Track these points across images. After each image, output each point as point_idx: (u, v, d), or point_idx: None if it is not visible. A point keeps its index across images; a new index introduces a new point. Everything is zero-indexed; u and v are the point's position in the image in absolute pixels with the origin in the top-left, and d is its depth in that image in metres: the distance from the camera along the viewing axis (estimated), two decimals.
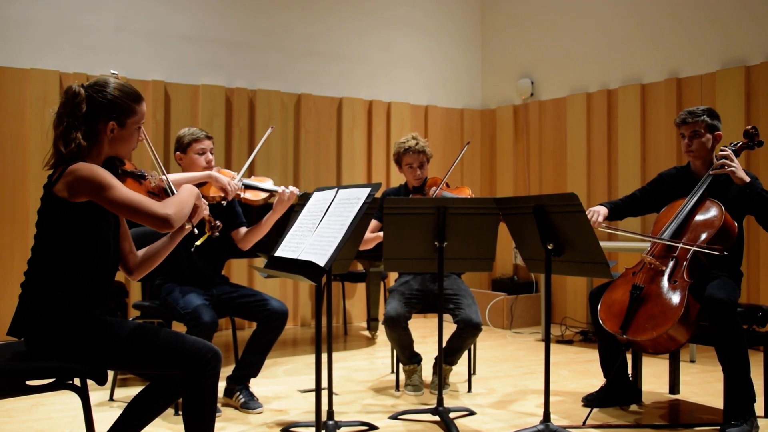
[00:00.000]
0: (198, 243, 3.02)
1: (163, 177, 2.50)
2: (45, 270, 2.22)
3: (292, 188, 3.55)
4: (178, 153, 3.60)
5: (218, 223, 2.72)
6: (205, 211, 2.53)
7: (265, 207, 3.67)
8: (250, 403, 3.52)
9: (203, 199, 2.54)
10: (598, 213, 3.61)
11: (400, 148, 4.10)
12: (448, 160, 6.94)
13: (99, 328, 2.21)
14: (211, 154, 3.61)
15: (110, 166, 2.31)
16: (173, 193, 2.42)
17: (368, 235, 3.86)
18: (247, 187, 3.57)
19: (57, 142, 2.23)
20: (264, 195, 3.56)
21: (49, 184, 2.22)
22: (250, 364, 3.57)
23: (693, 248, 3.24)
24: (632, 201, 3.77)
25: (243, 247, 3.68)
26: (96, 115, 2.25)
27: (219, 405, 3.49)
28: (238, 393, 3.56)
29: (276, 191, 3.55)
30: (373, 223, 4.05)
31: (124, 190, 2.17)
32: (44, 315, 2.18)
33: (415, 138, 4.09)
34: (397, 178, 6.34)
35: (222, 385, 3.55)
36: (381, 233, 3.96)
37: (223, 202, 3.39)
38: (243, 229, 3.69)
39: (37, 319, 2.18)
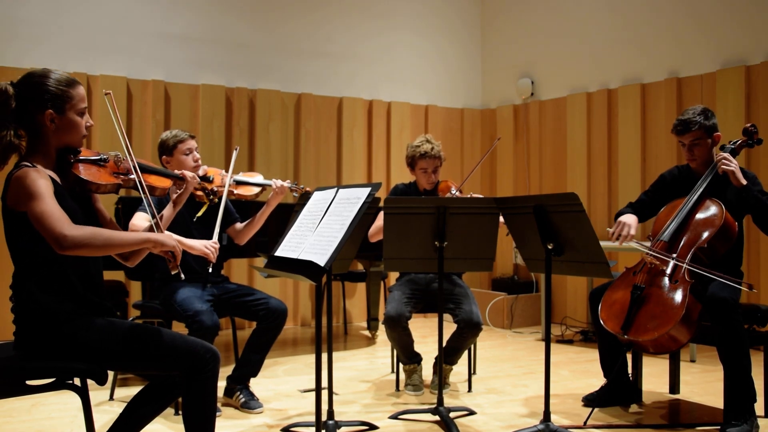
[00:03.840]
0: (200, 214, 3.05)
1: (128, 158, 2.40)
2: (26, 278, 2.20)
3: (282, 182, 3.60)
4: (164, 156, 3.57)
5: (214, 188, 2.74)
6: (195, 180, 2.55)
7: (259, 203, 3.69)
8: (250, 403, 3.53)
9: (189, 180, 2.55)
10: (629, 226, 3.44)
11: (415, 152, 4.02)
12: (449, 159, 6.92)
13: (96, 328, 2.20)
14: (197, 152, 3.61)
15: (63, 158, 2.26)
16: (137, 174, 2.36)
17: (378, 223, 3.79)
18: (239, 183, 3.59)
19: None
20: (256, 189, 3.60)
21: (2, 195, 2.19)
22: (250, 364, 3.57)
23: (694, 245, 3.24)
24: (641, 206, 3.74)
25: (239, 242, 3.72)
26: (30, 109, 2.20)
27: (219, 405, 3.48)
28: (239, 393, 3.56)
29: (267, 185, 3.61)
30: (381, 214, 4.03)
31: (45, 202, 2.05)
32: (38, 322, 2.17)
33: (430, 142, 4.01)
34: (397, 178, 6.35)
35: (222, 384, 3.56)
36: None
37: (213, 199, 3.36)
38: (238, 225, 3.72)
39: (33, 328, 2.17)
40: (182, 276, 2.34)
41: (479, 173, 7.23)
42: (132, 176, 2.39)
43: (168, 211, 2.68)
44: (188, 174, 2.58)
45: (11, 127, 2.16)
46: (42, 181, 2.10)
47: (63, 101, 2.23)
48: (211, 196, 2.75)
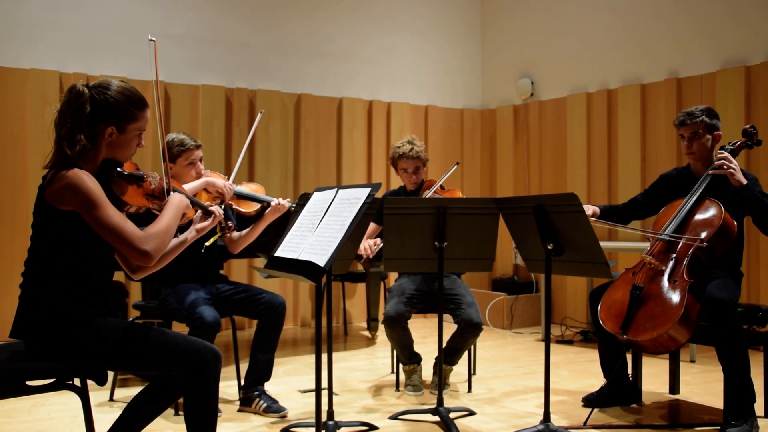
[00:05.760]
0: (208, 243, 3.04)
1: (165, 179, 2.43)
2: (39, 272, 2.21)
3: (283, 201, 3.55)
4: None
5: (230, 223, 2.72)
6: (220, 217, 2.55)
7: (256, 215, 3.67)
8: (273, 406, 3.47)
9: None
10: (587, 208, 3.55)
11: (395, 153, 4.12)
12: (448, 160, 6.95)
13: (97, 328, 2.20)
14: (201, 162, 3.56)
15: (106, 169, 2.27)
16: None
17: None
18: (240, 196, 3.54)
19: (61, 143, 2.17)
20: (257, 206, 3.56)
21: (42, 187, 2.19)
22: (260, 366, 3.53)
23: (693, 245, 3.25)
24: (634, 205, 3.78)
25: (233, 250, 3.68)
26: (97, 117, 2.20)
27: (220, 405, 3.48)
28: (258, 399, 3.50)
29: (269, 202, 3.55)
30: (372, 226, 4.05)
31: (110, 213, 2.11)
32: (41, 317, 2.17)
33: (411, 143, 4.08)
34: (398, 179, 6.35)
35: (235, 396, 3.55)
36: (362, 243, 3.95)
37: (221, 205, 3.36)
38: (234, 234, 3.68)
39: (35, 322, 2.18)
40: (179, 235, 2.36)
41: (479, 173, 7.24)
42: (162, 201, 2.37)
43: (189, 235, 2.58)
44: (217, 210, 2.54)
45: (85, 131, 2.18)
46: (97, 188, 2.13)
47: (128, 120, 2.25)
48: (226, 231, 2.74)
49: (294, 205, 3.57)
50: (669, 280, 3.23)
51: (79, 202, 2.11)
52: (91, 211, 2.10)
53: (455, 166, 4.30)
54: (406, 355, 3.93)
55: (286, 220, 3.36)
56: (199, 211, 2.56)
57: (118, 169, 2.30)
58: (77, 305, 2.20)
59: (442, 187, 4.14)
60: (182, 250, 2.52)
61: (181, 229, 2.49)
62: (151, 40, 2.40)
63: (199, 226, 2.52)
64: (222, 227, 2.71)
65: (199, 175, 3.53)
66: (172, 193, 2.37)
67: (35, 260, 2.23)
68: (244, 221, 3.72)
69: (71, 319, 2.18)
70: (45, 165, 2.23)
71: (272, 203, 3.53)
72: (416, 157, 4.06)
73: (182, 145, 3.50)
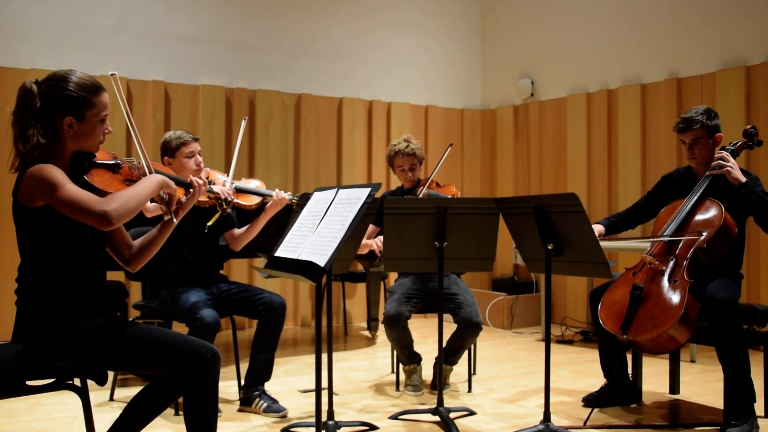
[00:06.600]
0: (210, 223, 3.02)
1: (143, 162, 2.36)
2: (31, 275, 2.21)
3: (284, 194, 3.56)
4: (166, 158, 3.53)
5: (229, 198, 2.69)
6: (204, 188, 2.48)
7: (257, 209, 3.68)
8: (273, 406, 3.47)
9: (199, 182, 2.49)
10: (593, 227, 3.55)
11: (391, 151, 4.15)
12: (449, 160, 6.95)
13: (96, 328, 2.20)
14: (200, 155, 3.57)
15: (77, 162, 2.25)
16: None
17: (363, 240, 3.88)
18: (240, 191, 3.55)
19: (16, 142, 2.17)
20: (257, 199, 3.57)
21: (14, 192, 2.18)
22: (260, 366, 3.53)
23: (694, 245, 3.25)
24: (638, 209, 3.78)
25: (235, 248, 3.69)
26: (51, 111, 2.17)
27: (220, 405, 3.48)
28: (258, 399, 3.50)
29: (269, 195, 3.57)
30: (370, 228, 4.06)
31: (68, 189, 2.07)
32: (38, 320, 2.17)
33: (407, 140, 4.11)
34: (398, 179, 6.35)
35: (235, 397, 3.54)
36: (370, 241, 3.98)
37: (225, 206, 3.33)
38: (235, 231, 3.70)
39: (33, 325, 2.17)
40: (175, 221, 2.31)
41: (479, 173, 7.24)
42: None
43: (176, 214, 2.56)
44: (197, 181, 2.47)
45: (37, 127, 2.15)
46: (57, 171, 2.10)
47: (84, 108, 2.20)
48: (224, 206, 2.69)
49: (295, 199, 3.58)
50: (669, 280, 3.23)
51: (43, 190, 2.08)
52: (53, 194, 2.07)
53: (449, 148, 4.32)
54: (406, 355, 3.93)
55: (287, 219, 3.36)
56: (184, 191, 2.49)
57: (90, 160, 2.26)
58: (74, 305, 2.19)
59: (437, 183, 4.15)
60: (182, 242, 2.49)
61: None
62: (111, 74, 2.37)
63: (182, 199, 2.45)
64: (220, 202, 2.69)
65: (199, 167, 3.54)
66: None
67: (22, 264, 2.24)
68: (245, 215, 3.72)
69: (69, 320, 2.17)
70: (10, 169, 2.21)
71: (273, 195, 3.54)
72: (411, 153, 4.08)
73: (179, 138, 3.53)
